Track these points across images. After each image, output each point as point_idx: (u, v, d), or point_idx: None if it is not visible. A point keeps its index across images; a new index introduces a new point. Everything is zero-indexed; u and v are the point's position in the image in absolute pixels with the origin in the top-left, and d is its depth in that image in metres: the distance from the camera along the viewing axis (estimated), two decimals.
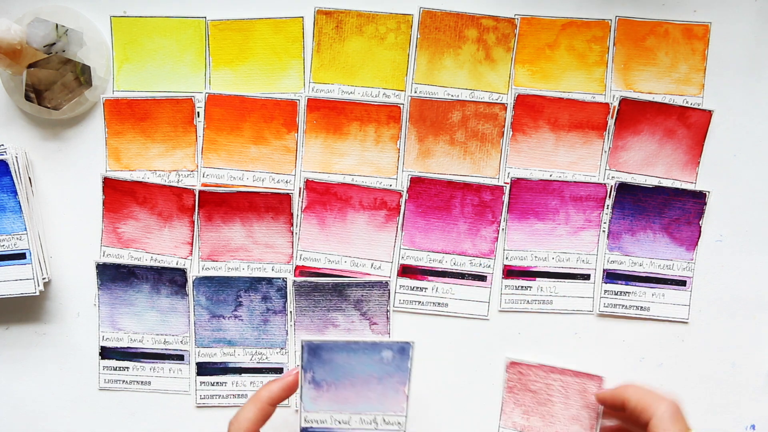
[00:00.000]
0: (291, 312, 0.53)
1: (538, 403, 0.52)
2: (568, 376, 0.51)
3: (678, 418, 0.43)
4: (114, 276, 0.53)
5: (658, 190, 0.53)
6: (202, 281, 0.53)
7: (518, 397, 0.52)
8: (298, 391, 0.45)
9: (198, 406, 0.53)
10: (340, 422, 0.46)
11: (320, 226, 0.53)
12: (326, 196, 0.52)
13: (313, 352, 0.45)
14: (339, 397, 0.46)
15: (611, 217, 0.53)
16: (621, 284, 0.53)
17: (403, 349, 0.45)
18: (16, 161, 0.49)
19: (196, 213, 0.52)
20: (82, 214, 0.53)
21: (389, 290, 0.52)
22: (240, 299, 0.53)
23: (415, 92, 0.52)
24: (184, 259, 0.53)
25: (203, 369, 0.53)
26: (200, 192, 0.52)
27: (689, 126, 0.52)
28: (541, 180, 0.53)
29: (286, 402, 0.53)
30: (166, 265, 0.53)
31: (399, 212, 0.53)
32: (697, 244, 0.53)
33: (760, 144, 0.53)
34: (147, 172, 0.53)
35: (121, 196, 0.52)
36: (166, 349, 0.53)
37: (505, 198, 0.53)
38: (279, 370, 0.53)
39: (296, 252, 0.53)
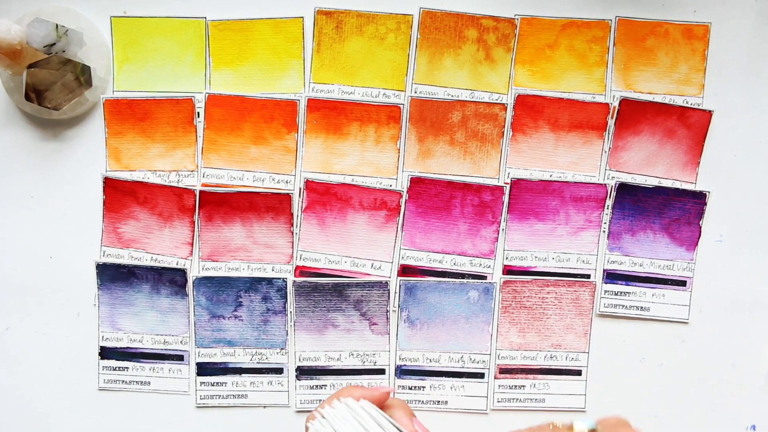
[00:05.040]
0: (291, 312, 0.53)
1: (533, 318, 0.52)
2: (562, 287, 0.52)
3: None
4: (114, 276, 0.53)
5: (658, 190, 0.53)
6: (202, 281, 0.53)
7: (513, 315, 0.52)
8: (394, 330, 0.51)
9: (198, 407, 0.53)
10: (430, 360, 0.52)
11: (320, 226, 0.53)
12: (326, 197, 0.52)
13: (409, 291, 0.50)
14: (430, 336, 0.51)
15: (611, 217, 0.53)
16: (621, 284, 0.53)
17: (487, 290, 0.50)
18: None
19: (197, 213, 0.52)
20: (82, 214, 0.53)
21: (389, 290, 0.52)
22: (240, 299, 0.53)
23: (415, 92, 0.52)
24: (184, 260, 0.53)
25: (203, 369, 0.53)
26: (200, 192, 0.52)
27: (689, 126, 0.52)
28: (541, 180, 0.53)
29: (285, 401, 0.53)
30: (166, 265, 0.53)
31: (399, 212, 0.53)
32: (697, 244, 0.53)
33: (760, 144, 0.53)
34: (147, 172, 0.53)
35: (121, 196, 0.52)
36: (165, 349, 0.53)
37: (505, 198, 0.53)
38: (279, 371, 0.53)
39: (296, 252, 0.53)
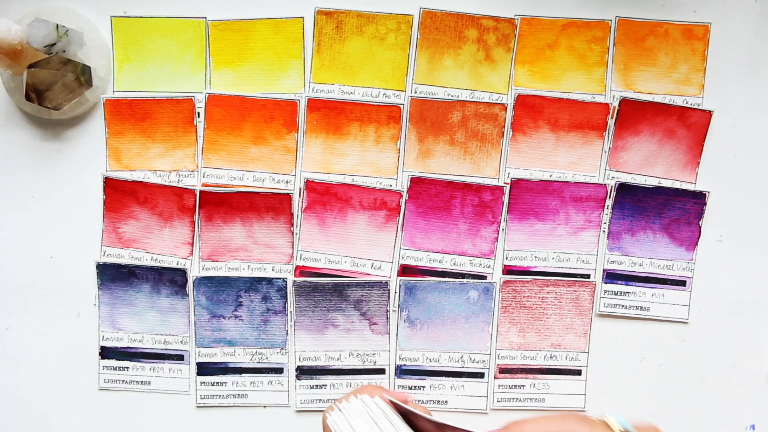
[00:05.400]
0: (291, 312, 0.53)
1: (533, 318, 0.52)
2: (562, 287, 0.52)
3: None
4: (114, 276, 0.53)
5: (658, 190, 0.53)
6: (203, 281, 0.53)
7: (513, 315, 0.52)
8: (394, 330, 0.52)
9: (198, 406, 0.53)
10: (430, 360, 0.52)
11: (320, 226, 0.53)
12: (326, 197, 0.52)
13: (409, 291, 0.50)
14: (430, 335, 0.52)
15: (611, 217, 0.53)
16: (621, 284, 0.53)
17: (487, 290, 0.50)
18: None
19: (197, 213, 0.52)
20: (82, 214, 0.53)
21: (389, 290, 0.52)
22: (240, 299, 0.53)
23: (415, 92, 0.52)
24: (184, 260, 0.53)
25: (203, 369, 0.53)
26: (201, 192, 0.52)
27: (689, 126, 0.52)
28: (541, 180, 0.53)
29: (285, 401, 0.53)
30: (166, 265, 0.53)
31: (399, 212, 0.53)
32: (697, 244, 0.53)
33: (760, 144, 0.53)
34: (147, 172, 0.53)
35: (121, 196, 0.52)
36: (166, 349, 0.53)
37: (505, 198, 0.53)
38: (279, 370, 0.53)
39: (296, 252, 0.53)
